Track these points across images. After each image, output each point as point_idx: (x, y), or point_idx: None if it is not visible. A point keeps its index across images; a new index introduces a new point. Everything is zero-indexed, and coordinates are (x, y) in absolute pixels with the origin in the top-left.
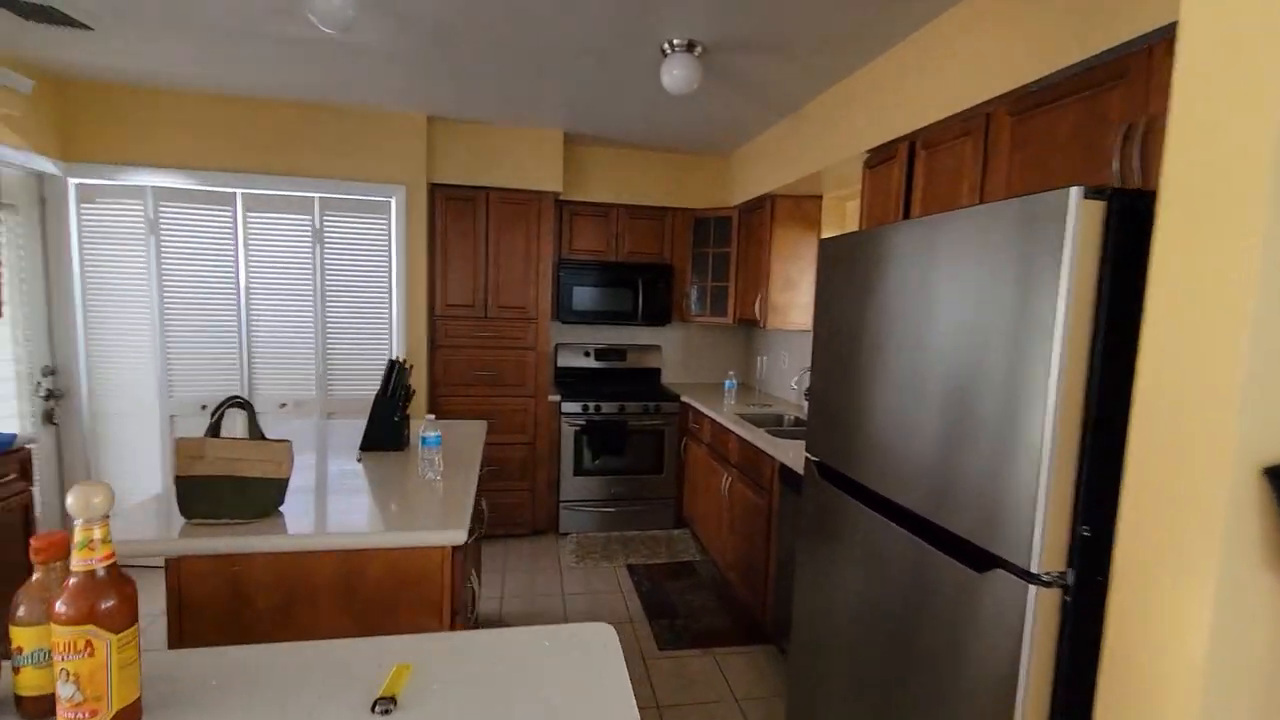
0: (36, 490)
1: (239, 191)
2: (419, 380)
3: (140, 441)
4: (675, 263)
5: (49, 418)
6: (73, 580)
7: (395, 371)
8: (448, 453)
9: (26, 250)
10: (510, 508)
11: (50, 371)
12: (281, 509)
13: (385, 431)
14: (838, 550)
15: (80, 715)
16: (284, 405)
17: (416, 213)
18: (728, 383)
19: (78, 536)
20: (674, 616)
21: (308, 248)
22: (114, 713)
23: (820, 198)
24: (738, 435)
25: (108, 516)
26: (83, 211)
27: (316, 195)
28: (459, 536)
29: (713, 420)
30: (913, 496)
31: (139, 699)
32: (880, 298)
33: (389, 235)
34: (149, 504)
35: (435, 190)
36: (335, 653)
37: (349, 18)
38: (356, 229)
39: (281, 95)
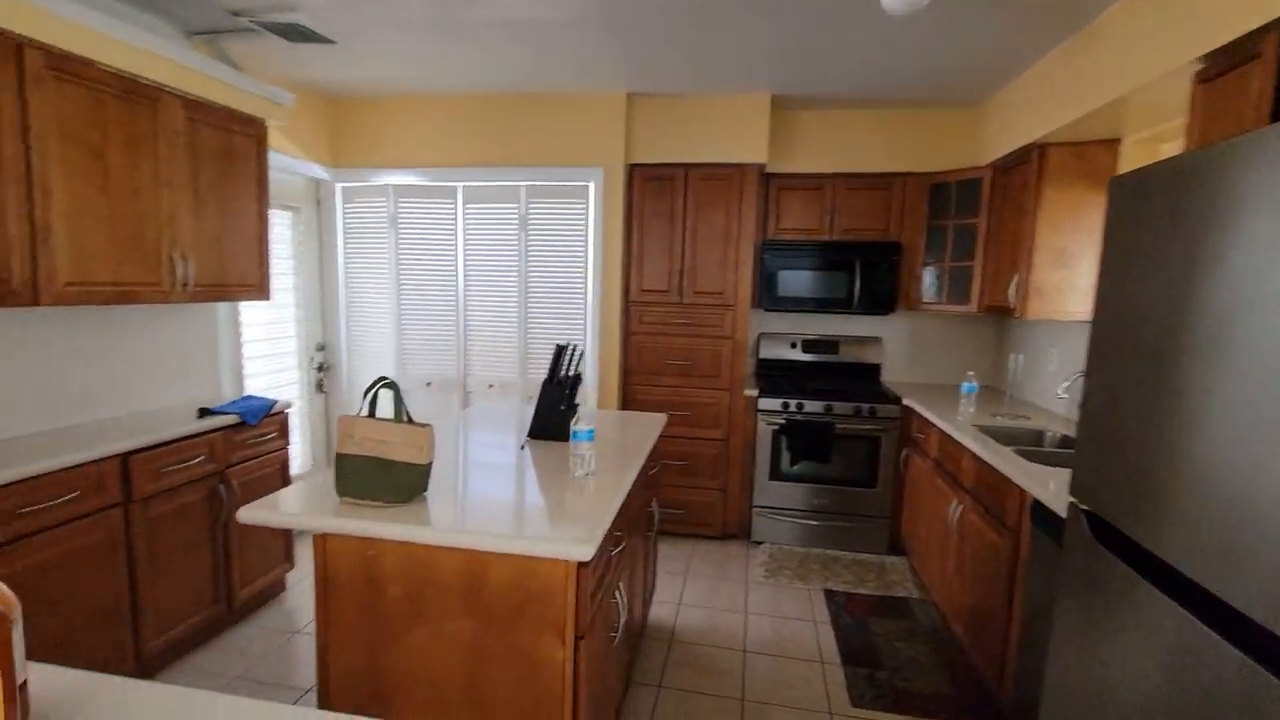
0: (293, 448)
1: (460, 185)
2: (610, 367)
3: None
4: (904, 239)
5: (319, 386)
6: None
7: (564, 357)
8: (614, 447)
9: (306, 245)
10: (700, 506)
11: (321, 347)
12: (426, 495)
13: (551, 420)
14: (1119, 640)
15: None
16: (491, 386)
17: (613, 195)
18: (966, 385)
19: None
20: (877, 665)
21: (514, 235)
22: None
23: (1116, 143)
24: (973, 453)
25: None
26: (346, 210)
27: (523, 184)
28: (585, 552)
29: (942, 431)
30: (1265, 602)
31: None
32: (1232, 264)
33: (586, 219)
34: (317, 478)
35: (633, 171)
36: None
37: None
38: (557, 214)
39: (493, 89)
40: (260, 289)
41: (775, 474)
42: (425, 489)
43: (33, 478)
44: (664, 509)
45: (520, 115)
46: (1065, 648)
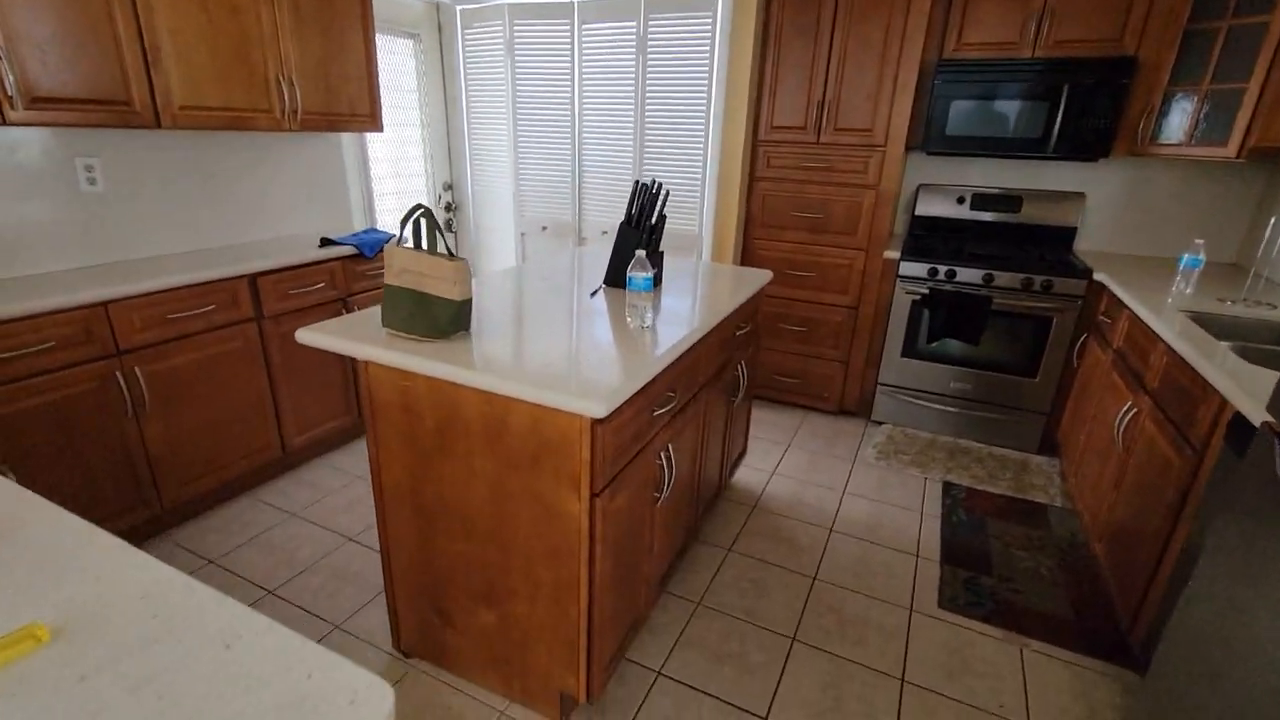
0: None
1: (575, 1)
2: (727, 217)
3: (503, 253)
4: (1142, 54)
5: (448, 226)
6: None
7: (642, 195)
8: (695, 301)
9: (430, 77)
10: (817, 378)
11: (448, 186)
12: (469, 334)
13: (627, 266)
14: (1275, 594)
15: None
16: (604, 233)
17: (745, 8)
18: (1188, 258)
19: None
20: (983, 570)
21: (631, 61)
22: None
23: None
24: (1167, 345)
25: None
26: (466, 38)
27: None
28: (597, 409)
29: (1133, 314)
30: None
31: None
32: None
33: (712, 38)
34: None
35: None
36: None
37: None
38: (679, 32)
39: None
40: (372, 119)
41: (909, 350)
42: (466, 327)
43: (174, 288)
44: (776, 376)
45: None
46: (1208, 584)
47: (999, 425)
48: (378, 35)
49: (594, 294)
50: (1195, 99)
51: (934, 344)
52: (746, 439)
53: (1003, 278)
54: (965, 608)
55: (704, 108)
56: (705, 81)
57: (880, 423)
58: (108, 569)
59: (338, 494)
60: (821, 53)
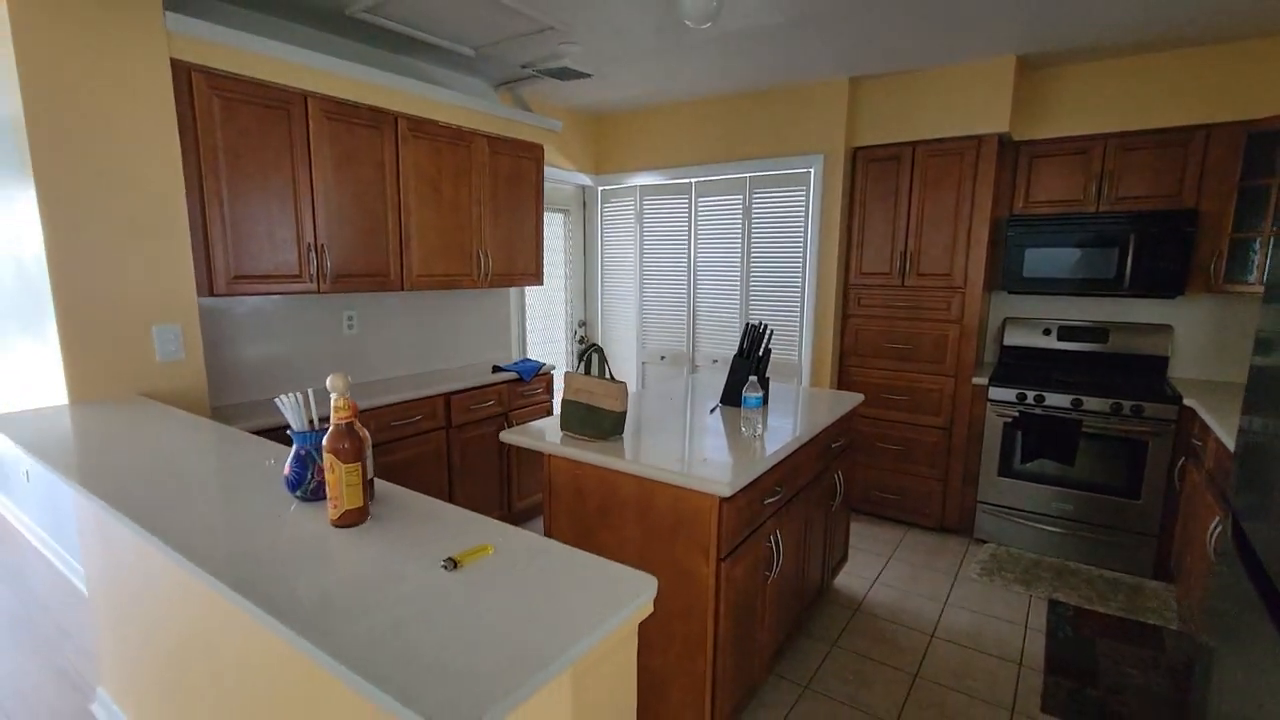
0: (556, 399)
1: (693, 181)
2: (824, 349)
3: (626, 379)
4: (1202, 206)
5: (580, 357)
6: (330, 429)
7: (751, 334)
8: (797, 419)
9: (574, 240)
10: (916, 494)
11: (582, 324)
12: (623, 436)
13: (740, 389)
14: None
15: (331, 504)
16: (715, 361)
17: (833, 180)
18: None
19: (333, 403)
20: (1089, 683)
21: (737, 224)
22: (344, 510)
23: None
24: None
25: (346, 394)
26: (604, 211)
27: (748, 175)
28: (724, 489)
29: (1219, 441)
30: None
31: (362, 506)
32: None
33: (806, 205)
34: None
35: (856, 154)
36: (462, 524)
37: (713, 9)
38: (778, 202)
39: (720, 92)
40: (536, 276)
41: (1006, 469)
42: (621, 431)
43: (397, 403)
44: (877, 492)
45: (742, 113)
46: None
47: (1107, 547)
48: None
49: (713, 410)
50: (1260, 244)
51: (1029, 464)
52: (847, 546)
53: (1091, 402)
54: (1071, 715)
55: (800, 258)
56: (801, 237)
57: (983, 541)
58: (493, 530)
59: None
60: (901, 213)
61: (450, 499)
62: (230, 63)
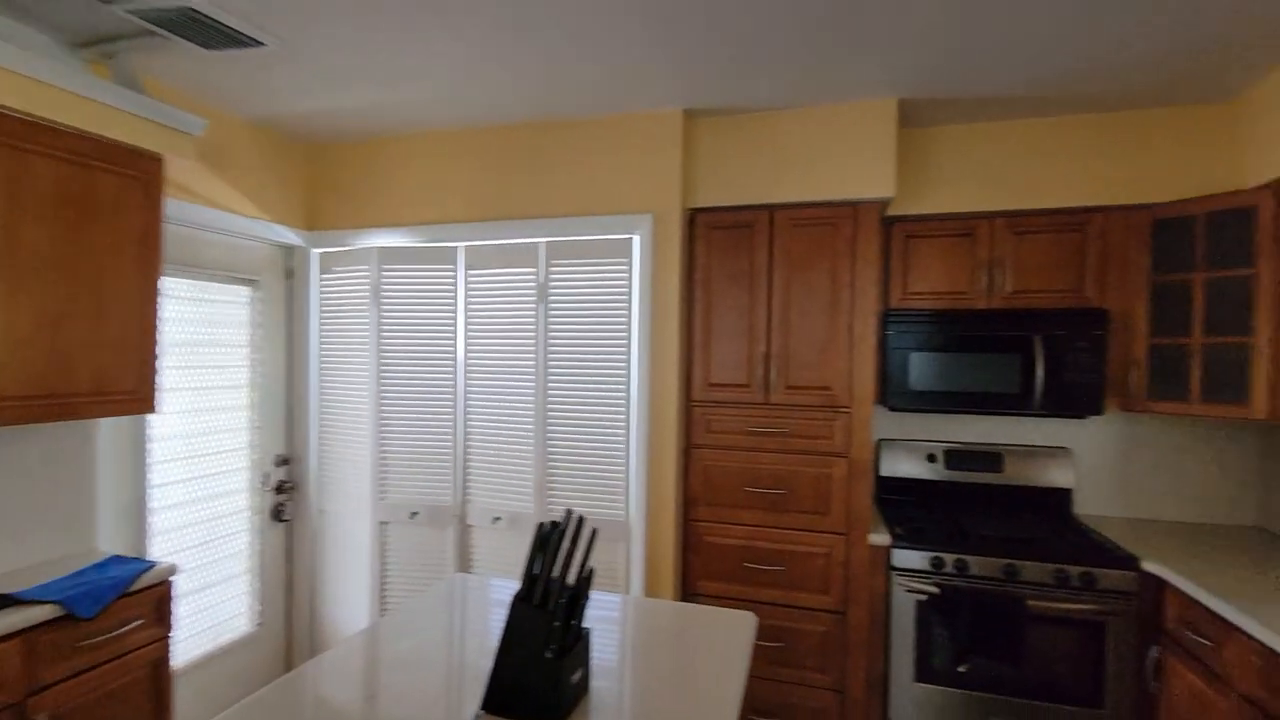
0: (174, 638)
1: (461, 246)
2: (663, 499)
3: (354, 550)
4: (1109, 304)
5: (277, 515)
6: None
7: (547, 545)
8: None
9: (267, 328)
10: (806, 713)
11: (284, 461)
12: None
13: (526, 679)
14: None
15: None
16: (497, 520)
17: (666, 251)
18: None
19: None
20: None
21: (529, 310)
22: None
23: None
24: None
25: None
26: (324, 284)
27: (543, 240)
28: None
29: (1228, 624)
30: None
31: None
32: None
33: (629, 287)
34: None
35: (695, 217)
36: None
37: None
38: (589, 280)
39: (498, 120)
40: (139, 399)
41: (924, 673)
42: None
43: None
44: (749, 715)
45: (536, 152)
46: None
47: None
48: (192, 282)
49: None
50: (1187, 353)
51: (959, 664)
52: None
53: (1028, 568)
54: None
55: (623, 360)
56: (623, 331)
57: None
58: None
59: None
60: (760, 299)
61: None
62: None
